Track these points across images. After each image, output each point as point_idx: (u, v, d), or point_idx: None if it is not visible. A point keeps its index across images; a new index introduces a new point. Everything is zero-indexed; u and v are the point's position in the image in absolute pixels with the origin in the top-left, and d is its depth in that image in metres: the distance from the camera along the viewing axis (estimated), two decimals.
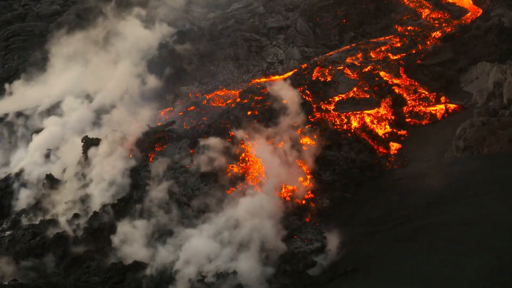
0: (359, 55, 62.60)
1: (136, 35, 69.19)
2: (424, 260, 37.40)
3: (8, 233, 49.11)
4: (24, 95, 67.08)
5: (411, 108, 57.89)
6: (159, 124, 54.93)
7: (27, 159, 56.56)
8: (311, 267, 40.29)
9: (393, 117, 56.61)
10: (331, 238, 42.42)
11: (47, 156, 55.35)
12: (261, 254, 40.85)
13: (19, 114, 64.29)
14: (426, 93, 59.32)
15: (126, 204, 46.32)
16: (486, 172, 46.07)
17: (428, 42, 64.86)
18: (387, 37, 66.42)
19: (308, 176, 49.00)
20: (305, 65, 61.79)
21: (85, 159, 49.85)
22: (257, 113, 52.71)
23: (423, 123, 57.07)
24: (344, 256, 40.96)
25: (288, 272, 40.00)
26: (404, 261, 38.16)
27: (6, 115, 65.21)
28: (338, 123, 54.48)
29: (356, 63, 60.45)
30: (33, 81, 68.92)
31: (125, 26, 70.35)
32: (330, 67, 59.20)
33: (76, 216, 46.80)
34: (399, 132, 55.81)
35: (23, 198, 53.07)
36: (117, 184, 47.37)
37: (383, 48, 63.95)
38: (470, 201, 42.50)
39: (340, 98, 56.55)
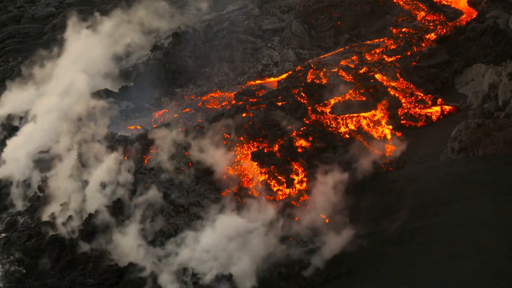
0: (354, 57, 62.57)
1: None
2: (419, 262, 37.48)
3: (3, 235, 49.08)
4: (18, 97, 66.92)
5: (406, 110, 57.92)
6: (154, 126, 54.95)
7: (21, 161, 56.42)
8: (306, 269, 40.32)
9: (388, 119, 56.62)
10: (326, 240, 42.41)
11: (42, 157, 55.36)
12: (257, 257, 40.99)
13: (13, 115, 63.99)
14: (422, 95, 59.35)
15: (121, 206, 46.24)
16: (481, 174, 46.12)
17: (423, 44, 64.86)
18: (382, 39, 66.45)
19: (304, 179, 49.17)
20: (299, 67, 61.76)
21: (80, 161, 49.76)
22: (252, 115, 52.74)
23: (418, 125, 57.09)
24: (338, 258, 40.98)
25: (283, 274, 40.05)
26: (398, 263, 38.23)
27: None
28: (334, 125, 54.50)
29: (351, 65, 60.41)
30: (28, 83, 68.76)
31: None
32: (324, 70, 59.17)
33: (71, 218, 46.74)
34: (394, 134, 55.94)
35: (18, 200, 53.02)
36: (112, 186, 47.27)
37: (377, 50, 63.94)
38: (465, 203, 42.55)
39: (336, 100, 56.55)
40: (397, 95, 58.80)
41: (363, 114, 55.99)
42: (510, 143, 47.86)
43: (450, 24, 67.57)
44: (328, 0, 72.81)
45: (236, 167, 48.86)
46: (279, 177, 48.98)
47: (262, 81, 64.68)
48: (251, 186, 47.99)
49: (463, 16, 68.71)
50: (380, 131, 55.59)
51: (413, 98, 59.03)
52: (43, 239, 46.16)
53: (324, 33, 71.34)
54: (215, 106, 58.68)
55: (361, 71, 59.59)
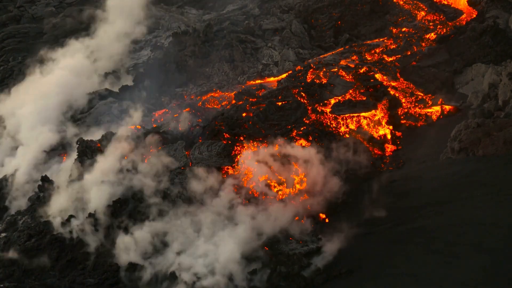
0: (354, 57, 62.58)
1: None
2: (419, 261, 37.51)
3: (3, 234, 49.11)
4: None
5: (406, 110, 57.96)
6: (154, 125, 54.93)
7: (22, 161, 56.45)
8: (306, 269, 40.34)
9: (388, 119, 56.64)
10: (326, 240, 42.43)
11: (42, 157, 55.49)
12: (257, 256, 41.07)
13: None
14: (422, 95, 59.40)
15: (121, 205, 46.27)
16: (481, 174, 46.13)
17: (423, 44, 64.89)
18: (382, 39, 66.46)
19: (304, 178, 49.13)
20: (299, 67, 61.74)
21: (81, 161, 49.79)
22: (252, 115, 52.73)
23: (419, 124, 57.11)
24: (339, 257, 41.01)
25: (283, 273, 40.07)
26: (399, 262, 38.25)
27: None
28: (334, 125, 54.52)
29: (351, 65, 60.41)
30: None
31: None
32: (324, 70, 59.17)
33: (71, 217, 46.76)
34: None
35: (19, 199, 53.07)
36: (112, 185, 47.30)
37: (377, 50, 63.96)
38: (465, 202, 42.57)
39: (337, 100, 56.57)
40: (397, 95, 58.84)
41: (363, 114, 56.00)
42: (510, 143, 47.87)
43: (450, 24, 67.57)
44: (328, 0, 72.81)
45: (236, 167, 48.86)
46: (279, 177, 48.91)
47: (262, 81, 64.63)
48: (251, 186, 47.95)
49: (463, 16, 68.71)
50: (380, 131, 55.60)
51: (413, 98, 59.08)
52: (43, 239, 46.19)
53: (324, 33, 71.34)
54: (215, 106, 58.65)
55: (361, 71, 59.59)
